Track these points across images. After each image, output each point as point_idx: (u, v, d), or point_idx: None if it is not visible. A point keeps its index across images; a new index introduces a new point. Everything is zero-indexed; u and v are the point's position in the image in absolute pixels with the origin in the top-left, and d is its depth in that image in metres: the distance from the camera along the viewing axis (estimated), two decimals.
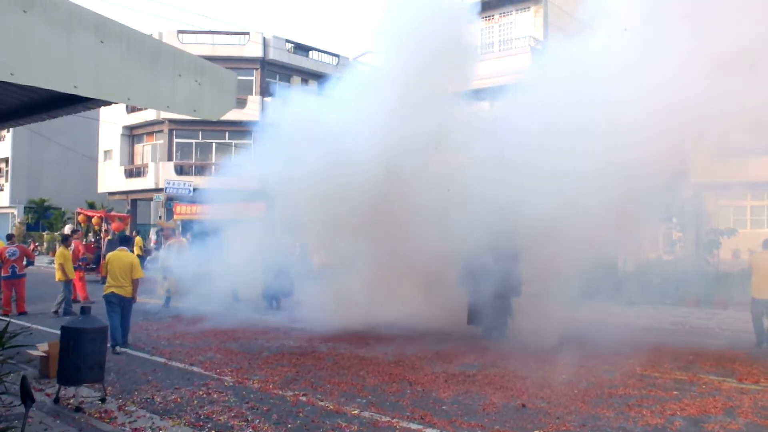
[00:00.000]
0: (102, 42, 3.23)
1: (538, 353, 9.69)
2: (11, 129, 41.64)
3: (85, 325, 6.62)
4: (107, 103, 4.91)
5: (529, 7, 25.25)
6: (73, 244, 15.67)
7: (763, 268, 10.89)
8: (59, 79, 3.06)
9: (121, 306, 10.15)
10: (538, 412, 6.84)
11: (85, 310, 6.92)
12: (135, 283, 10.18)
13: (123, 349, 10.01)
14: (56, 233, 35.43)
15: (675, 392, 7.76)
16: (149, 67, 3.56)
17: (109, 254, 10.47)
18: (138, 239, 24.83)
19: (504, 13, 25.69)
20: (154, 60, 3.60)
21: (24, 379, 4.87)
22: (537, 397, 7.41)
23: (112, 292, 10.08)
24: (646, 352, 10.00)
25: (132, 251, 11.76)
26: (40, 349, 8.29)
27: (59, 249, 14.29)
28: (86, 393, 7.09)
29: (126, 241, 11.31)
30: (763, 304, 10.85)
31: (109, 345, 9.25)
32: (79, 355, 6.46)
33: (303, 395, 7.40)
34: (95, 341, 6.66)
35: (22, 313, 13.79)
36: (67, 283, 14.13)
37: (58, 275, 14.01)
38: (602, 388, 7.86)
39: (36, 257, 14.71)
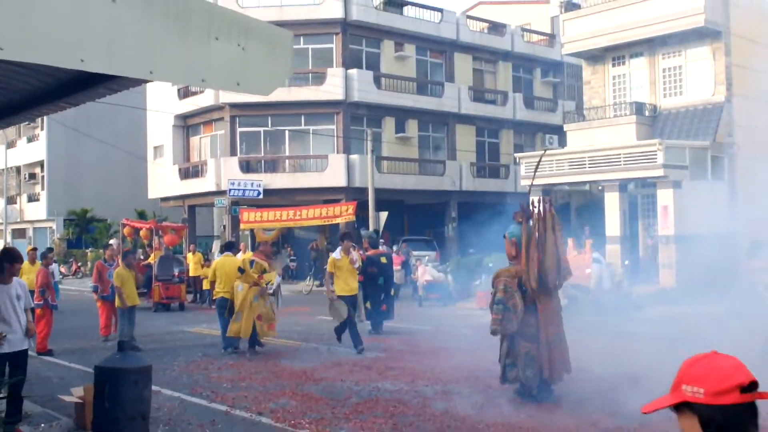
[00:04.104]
0: (114, 0, 3.25)
1: None
2: (45, 128, 44.56)
3: (123, 364, 6.78)
4: (136, 83, 5.02)
5: None
6: (117, 262, 16.22)
7: None
8: (60, 52, 3.09)
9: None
10: None
11: (123, 346, 7.12)
12: None
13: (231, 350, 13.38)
14: (101, 250, 37.55)
15: None
16: (176, 31, 3.56)
17: (217, 260, 14.45)
18: (197, 256, 25.69)
19: None
20: (183, 20, 3.59)
21: None
22: None
23: (222, 297, 13.64)
24: None
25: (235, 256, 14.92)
26: (75, 395, 8.65)
27: (118, 268, 14.63)
28: None
29: (230, 247, 15.45)
30: None
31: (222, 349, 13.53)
32: (117, 402, 6.63)
33: None
34: (137, 385, 6.80)
35: (43, 353, 13.71)
36: (127, 312, 14.14)
37: (117, 301, 14.32)
38: None
39: (54, 281, 15.35)
